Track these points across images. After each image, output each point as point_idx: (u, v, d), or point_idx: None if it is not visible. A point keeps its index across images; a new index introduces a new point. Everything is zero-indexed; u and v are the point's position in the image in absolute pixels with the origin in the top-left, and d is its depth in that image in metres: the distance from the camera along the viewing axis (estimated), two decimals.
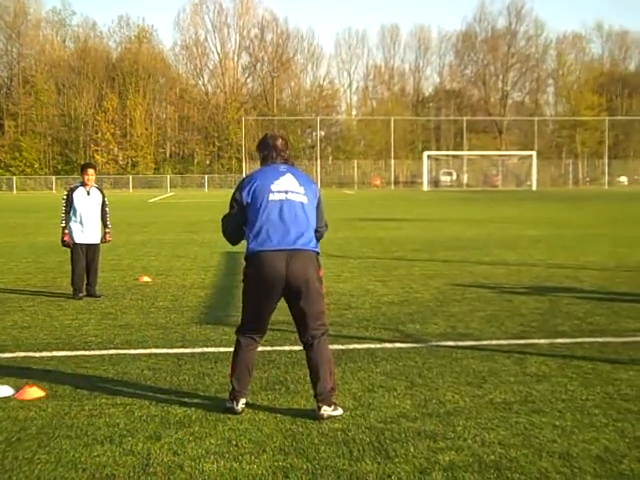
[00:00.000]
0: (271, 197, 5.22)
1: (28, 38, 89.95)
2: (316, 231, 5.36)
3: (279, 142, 5.58)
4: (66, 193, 10.68)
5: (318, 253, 5.34)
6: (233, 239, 5.53)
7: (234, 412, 5.20)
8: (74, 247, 10.44)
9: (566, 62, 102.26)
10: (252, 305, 5.28)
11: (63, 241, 10.59)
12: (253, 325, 5.32)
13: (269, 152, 5.54)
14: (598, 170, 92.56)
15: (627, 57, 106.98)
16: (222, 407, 5.28)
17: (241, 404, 5.22)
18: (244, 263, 5.27)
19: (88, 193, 10.62)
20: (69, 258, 10.57)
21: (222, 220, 5.50)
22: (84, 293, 10.33)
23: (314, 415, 5.09)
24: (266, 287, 5.14)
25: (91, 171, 10.76)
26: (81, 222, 10.48)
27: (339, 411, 5.13)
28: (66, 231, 10.52)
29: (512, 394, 5.64)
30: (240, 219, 5.34)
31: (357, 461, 4.35)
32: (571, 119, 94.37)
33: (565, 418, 5.08)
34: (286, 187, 5.29)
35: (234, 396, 5.24)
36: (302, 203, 5.28)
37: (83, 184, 10.66)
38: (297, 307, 5.25)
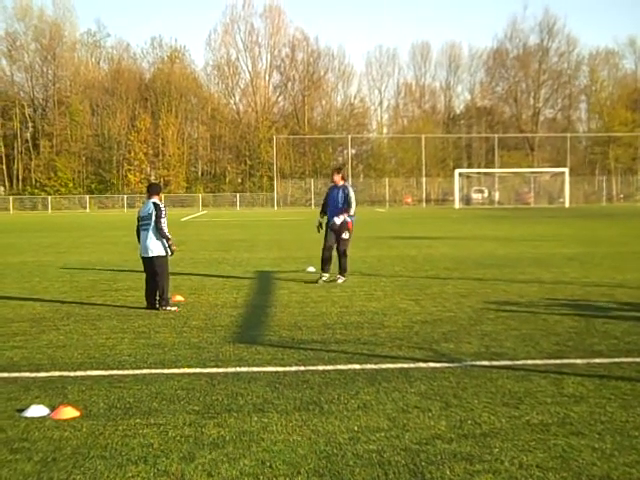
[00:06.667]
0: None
1: (63, 60, 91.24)
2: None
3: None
4: (163, 205, 11.26)
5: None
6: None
7: None
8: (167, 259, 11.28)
9: (599, 78, 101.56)
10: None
11: (172, 250, 11.22)
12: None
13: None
14: (632, 187, 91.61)
15: None
16: None
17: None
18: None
19: None
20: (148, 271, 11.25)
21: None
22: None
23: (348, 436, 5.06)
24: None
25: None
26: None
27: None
28: (172, 241, 11.22)
29: (549, 415, 5.56)
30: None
31: None
32: (604, 135, 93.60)
33: (605, 440, 4.99)
34: None
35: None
36: None
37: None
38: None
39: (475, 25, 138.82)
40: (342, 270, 13.92)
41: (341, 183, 14.04)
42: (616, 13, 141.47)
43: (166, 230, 11.04)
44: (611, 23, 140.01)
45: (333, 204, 13.99)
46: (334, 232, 13.84)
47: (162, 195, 11.43)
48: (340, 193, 13.95)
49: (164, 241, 11.00)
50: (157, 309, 10.84)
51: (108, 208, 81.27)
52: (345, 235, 13.81)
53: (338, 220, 13.72)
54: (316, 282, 13.67)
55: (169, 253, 11.11)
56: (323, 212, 14.33)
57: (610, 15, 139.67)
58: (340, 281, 13.76)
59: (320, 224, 14.35)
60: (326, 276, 13.83)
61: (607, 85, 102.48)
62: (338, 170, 14.36)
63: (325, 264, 13.89)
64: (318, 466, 4.59)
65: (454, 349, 7.92)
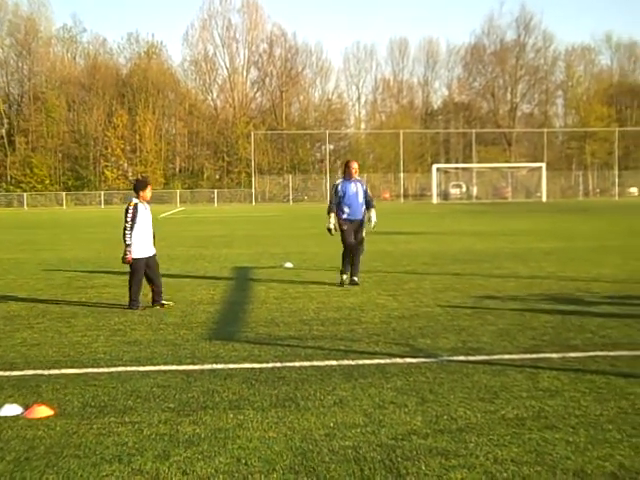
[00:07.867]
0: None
1: (39, 55, 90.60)
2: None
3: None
4: (132, 207, 10.62)
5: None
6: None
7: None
8: (138, 261, 10.65)
9: (575, 74, 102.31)
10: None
11: (125, 258, 10.61)
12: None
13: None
14: (608, 181, 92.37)
15: (636, 68, 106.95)
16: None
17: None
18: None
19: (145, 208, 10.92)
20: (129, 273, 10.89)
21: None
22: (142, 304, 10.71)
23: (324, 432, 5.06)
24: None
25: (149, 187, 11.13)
26: (143, 236, 10.69)
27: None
28: (129, 249, 10.54)
29: (524, 410, 5.58)
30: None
31: None
32: (580, 130, 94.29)
33: (579, 434, 5.01)
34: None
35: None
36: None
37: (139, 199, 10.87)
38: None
39: (452, 21, 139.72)
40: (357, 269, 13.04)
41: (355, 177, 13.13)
42: (592, 9, 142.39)
43: (126, 234, 10.48)
44: (587, 19, 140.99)
45: (355, 200, 12.99)
46: (353, 230, 12.91)
47: (144, 192, 10.86)
48: (359, 188, 13.09)
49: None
50: (151, 306, 10.74)
51: (85, 205, 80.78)
52: (364, 231, 13.11)
53: (374, 217, 13.20)
54: (341, 285, 12.75)
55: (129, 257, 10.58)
56: (330, 211, 12.98)
57: (586, 11, 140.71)
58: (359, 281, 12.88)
59: (334, 227, 12.98)
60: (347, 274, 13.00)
61: (583, 81, 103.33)
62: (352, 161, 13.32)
63: (348, 263, 12.95)
64: (293, 463, 4.58)
65: (431, 344, 7.94)
